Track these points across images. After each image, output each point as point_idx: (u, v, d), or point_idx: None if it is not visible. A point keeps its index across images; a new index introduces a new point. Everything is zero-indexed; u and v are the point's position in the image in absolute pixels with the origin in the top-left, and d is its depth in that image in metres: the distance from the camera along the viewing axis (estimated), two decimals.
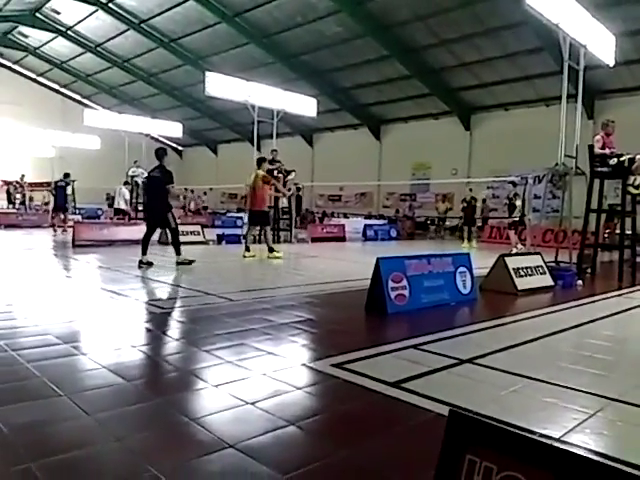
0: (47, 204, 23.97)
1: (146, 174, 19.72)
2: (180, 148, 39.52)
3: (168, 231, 8.64)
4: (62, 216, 16.32)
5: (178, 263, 8.15)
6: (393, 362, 3.53)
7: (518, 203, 13.73)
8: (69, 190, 16.60)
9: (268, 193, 10.89)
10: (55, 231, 15.79)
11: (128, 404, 2.62)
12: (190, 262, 8.22)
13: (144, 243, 8.26)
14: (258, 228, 11.41)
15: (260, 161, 10.76)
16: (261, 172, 10.43)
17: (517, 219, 13.75)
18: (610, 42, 10.05)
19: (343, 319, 5.03)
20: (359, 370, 3.26)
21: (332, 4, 18.89)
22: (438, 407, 2.66)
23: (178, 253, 8.23)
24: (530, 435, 1.26)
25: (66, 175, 16.64)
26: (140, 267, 7.95)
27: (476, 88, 21.93)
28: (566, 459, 1.15)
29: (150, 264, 8.09)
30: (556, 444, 2.30)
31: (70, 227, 15.49)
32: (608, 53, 10.03)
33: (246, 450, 2.14)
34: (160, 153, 8.43)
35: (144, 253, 8.16)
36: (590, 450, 2.28)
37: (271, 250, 10.20)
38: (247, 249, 10.36)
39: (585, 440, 2.38)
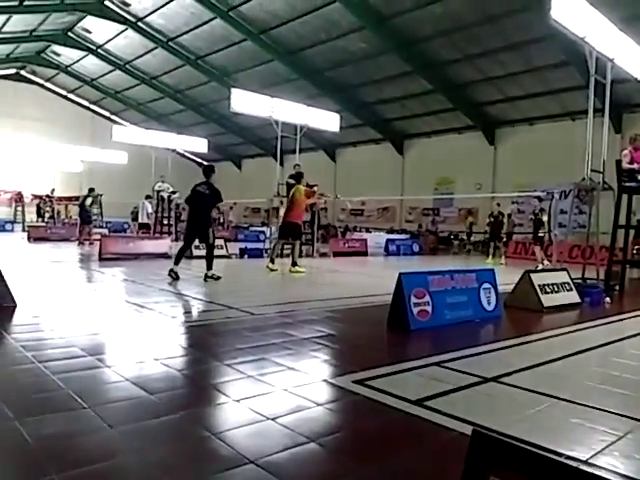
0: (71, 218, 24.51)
1: (171, 189, 20.18)
2: (205, 163, 40.05)
3: (205, 245, 8.78)
4: (87, 229, 16.72)
5: (207, 277, 8.28)
6: (415, 379, 3.49)
7: (545, 218, 13.50)
8: (88, 202, 16.93)
9: (304, 207, 10.96)
10: (82, 244, 16.19)
11: (150, 417, 2.64)
12: (218, 278, 8.32)
13: (179, 254, 8.53)
14: (283, 241, 11.28)
15: (299, 176, 10.99)
16: (302, 187, 10.62)
17: (542, 235, 13.54)
18: (638, 55, 9.90)
19: (365, 335, 5.00)
20: (381, 387, 3.23)
21: (355, 20, 19.08)
22: (461, 426, 2.61)
23: (209, 267, 8.35)
24: (555, 457, 1.23)
25: (90, 190, 17.08)
26: (170, 275, 8.20)
27: (500, 102, 21.79)
28: None
29: (177, 277, 8.25)
30: (583, 467, 2.24)
31: (95, 240, 15.90)
32: (636, 67, 9.88)
33: (266, 466, 2.14)
34: (207, 171, 8.70)
35: (176, 263, 8.40)
36: (619, 474, 2.21)
37: (294, 264, 10.19)
38: (272, 261, 10.38)
39: (614, 463, 2.31)
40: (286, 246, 11.44)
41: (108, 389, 3.07)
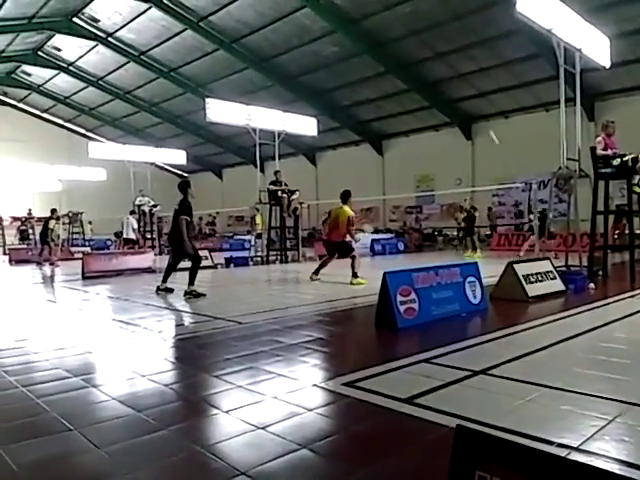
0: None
1: (152, 203, 20.00)
2: (185, 175, 39.82)
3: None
4: (47, 250, 16.48)
5: (186, 293, 7.79)
6: (405, 378, 3.49)
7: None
8: (51, 224, 16.67)
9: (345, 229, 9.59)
10: (41, 265, 15.99)
11: (139, 435, 2.59)
12: (199, 295, 7.77)
13: (166, 272, 8.40)
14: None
15: (346, 196, 9.83)
16: (349, 210, 9.57)
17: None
18: (605, 44, 10.06)
19: (353, 336, 4.99)
20: (371, 388, 3.22)
21: (326, 25, 19.16)
22: (452, 421, 2.59)
23: (191, 283, 7.89)
24: (540, 448, 1.23)
25: (53, 211, 16.90)
26: (158, 294, 8.09)
27: (475, 98, 22.03)
28: (579, 472, 1.11)
29: (169, 290, 8.19)
30: (574, 453, 2.24)
31: (58, 261, 15.71)
32: (603, 55, 10.03)
33: (258, 476, 2.11)
34: (181, 187, 8.40)
35: (164, 281, 8.28)
36: (611, 458, 2.22)
37: (355, 275, 9.22)
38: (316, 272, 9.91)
39: (605, 448, 2.32)
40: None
41: (95, 409, 3.01)
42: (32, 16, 22.07)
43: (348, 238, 9.66)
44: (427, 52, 19.65)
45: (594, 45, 9.58)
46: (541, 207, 13.89)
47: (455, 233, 22.90)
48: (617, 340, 4.45)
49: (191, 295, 7.76)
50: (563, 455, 2.21)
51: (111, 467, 2.27)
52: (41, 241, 16.84)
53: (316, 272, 9.84)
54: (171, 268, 8.46)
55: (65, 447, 2.48)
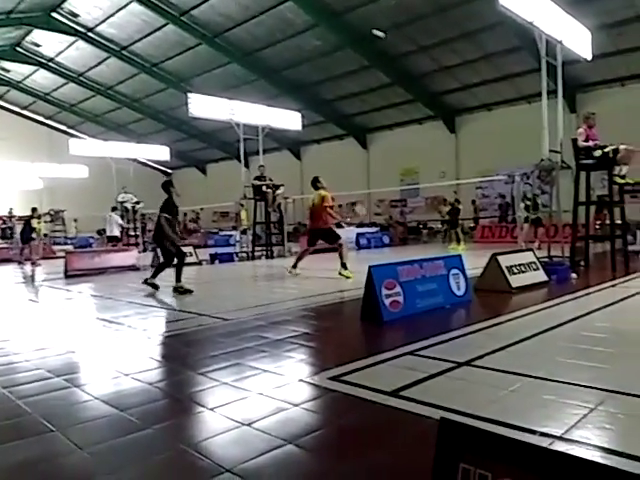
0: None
1: (135, 199, 19.77)
2: (169, 171, 39.55)
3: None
4: (28, 249, 16.27)
5: (175, 289, 7.91)
6: (390, 371, 3.50)
7: (540, 200, 12.86)
8: (34, 224, 16.46)
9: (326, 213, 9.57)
10: (21, 264, 15.75)
11: (123, 435, 2.56)
12: (186, 291, 7.83)
13: (158, 269, 8.38)
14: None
15: (316, 182, 10.05)
16: (323, 192, 9.66)
17: (535, 217, 13.26)
18: (585, 37, 10.15)
19: (339, 330, 5.00)
20: (356, 381, 3.22)
21: (309, 18, 19.07)
22: (437, 413, 2.60)
23: (178, 279, 7.96)
24: (523, 439, 1.23)
25: (33, 210, 16.67)
26: (145, 283, 8.15)
27: (458, 91, 22.12)
28: (560, 461, 1.12)
29: (155, 286, 8.15)
30: (557, 442, 2.27)
31: (38, 260, 15.51)
32: (584, 47, 10.12)
33: (243, 473, 2.10)
34: (164, 187, 8.35)
35: (153, 277, 8.22)
36: (593, 445, 2.24)
37: (345, 266, 9.10)
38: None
39: (587, 436, 2.34)
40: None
41: (77, 410, 2.97)
42: (10, 11, 21.68)
43: (331, 222, 9.63)
44: (410, 45, 19.67)
45: (575, 37, 9.66)
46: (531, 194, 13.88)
47: (439, 226, 23.08)
48: (599, 329, 4.51)
49: (178, 291, 7.82)
50: (546, 444, 2.23)
51: (95, 468, 2.25)
52: (22, 240, 16.57)
53: (294, 266, 9.71)
54: (164, 265, 8.37)
55: (48, 449, 2.44)
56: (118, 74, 26.75)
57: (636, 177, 9.49)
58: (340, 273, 8.95)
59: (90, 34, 23.76)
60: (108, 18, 22.06)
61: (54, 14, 22.71)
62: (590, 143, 8.77)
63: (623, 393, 2.87)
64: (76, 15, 22.54)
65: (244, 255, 15.32)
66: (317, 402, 2.97)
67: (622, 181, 8.89)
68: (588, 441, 2.29)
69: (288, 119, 17.51)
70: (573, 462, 1.13)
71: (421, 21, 18.07)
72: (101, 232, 24.40)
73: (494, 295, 6.56)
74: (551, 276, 7.46)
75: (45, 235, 23.66)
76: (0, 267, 15.86)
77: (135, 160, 22.45)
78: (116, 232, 17.12)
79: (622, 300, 6.03)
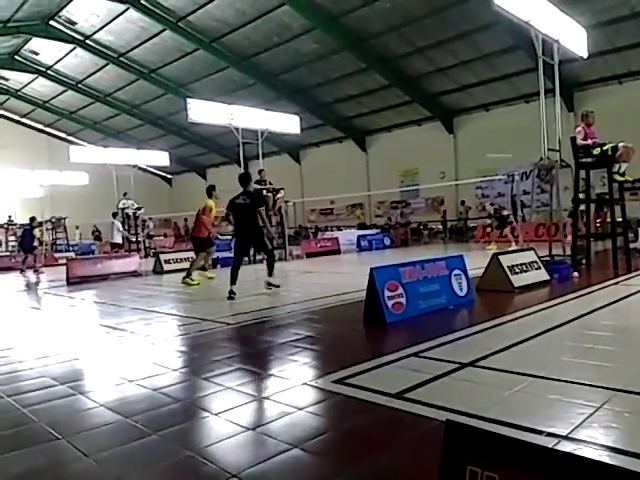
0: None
1: (136, 205, 19.75)
2: (169, 176, 39.59)
3: (264, 253, 8.51)
4: (31, 258, 16.27)
5: (268, 283, 8.10)
6: (394, 373, 3.49)
7: (506, 212, 14.28)
8: (36, 232, 16.48)
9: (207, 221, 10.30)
10: (23, 272, 15.79)
11: (128, 442, 2.56)
12: (277, 286, 8.15)
13: (234, 272, 7.98)
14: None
15: (210, 190, 10.45)
16: (209, 202, 10.15)
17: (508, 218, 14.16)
18: (582, 35, 10.16)
19: (342, 333, 4.99)
20: (360, 384, 3.22)
21: (306, 22, 19.11)
22: (442, 415, 2.61)
23: (270, 275, 8.16)
24: (529, 440, 1.23)
25: (32, 219, 16.70)
26: (230, 298, 7.61)
27: (455, 92, 22.13)
28: (567, 462, 1.12)
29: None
30: (563, 442, 2.26)
31: (40, 267, 15.50)
32: (581, 46, 10.14)
33: (249, 478, 2.10)
34: (243, 180, 8.38)
35: (233, 283, 7.82)
36: (599, 445, 2.24)
37: (189, 275, 9.66)
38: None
39: (593, 435, 2.34)
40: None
41: (82, 417, 2.98)
42: (7, 20, 21.72)
43: (205, 232, 10.23)
44: (407, 47, 19.69)
45: (571, 36, 9.68)
46: (497, 207, 15.14)
47: (440, 227, 23.18)
48: (602, 327, 4.51)
49: (270, 284, 8.09)
50: (553, 444, 2.23)
51: (101, 475, 2.25)
52: (23, 249, 16.57)
53: (187, 275, 9.70)
54: (237, 267, 8.14)
55: (53, 457, 2.44)
56: (117, 81, 26.80)
57: (635, 174, 9.49)
58: (183, 280, 9.40)
59: (88, 41, 23.80)
60: (105, 25, 22.09)
61: (52, 22, 22.75)
62: (589, 141, 8.77)
63: (628, 391, 2.86)
64: (74, 23, 22.57)
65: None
66: (322, 405, 2.97)
67: (621, 179, 8.88)
68: (594, 440, 2.28)
69: (287, 123, 17.51)
70: (580, 463, 1.13)
71: (416, 23, 18.09)
72: (97, 234, 24.47)
73: (496, 295, 6.55)
74: (553, 275, 7.44)
75: (53, 243, 23.71)
76: (2, 275, 15.86)
77: (135, 166, 22.44)
78: (118, 238, 17.12)
79: (625, 298, 6.02)
